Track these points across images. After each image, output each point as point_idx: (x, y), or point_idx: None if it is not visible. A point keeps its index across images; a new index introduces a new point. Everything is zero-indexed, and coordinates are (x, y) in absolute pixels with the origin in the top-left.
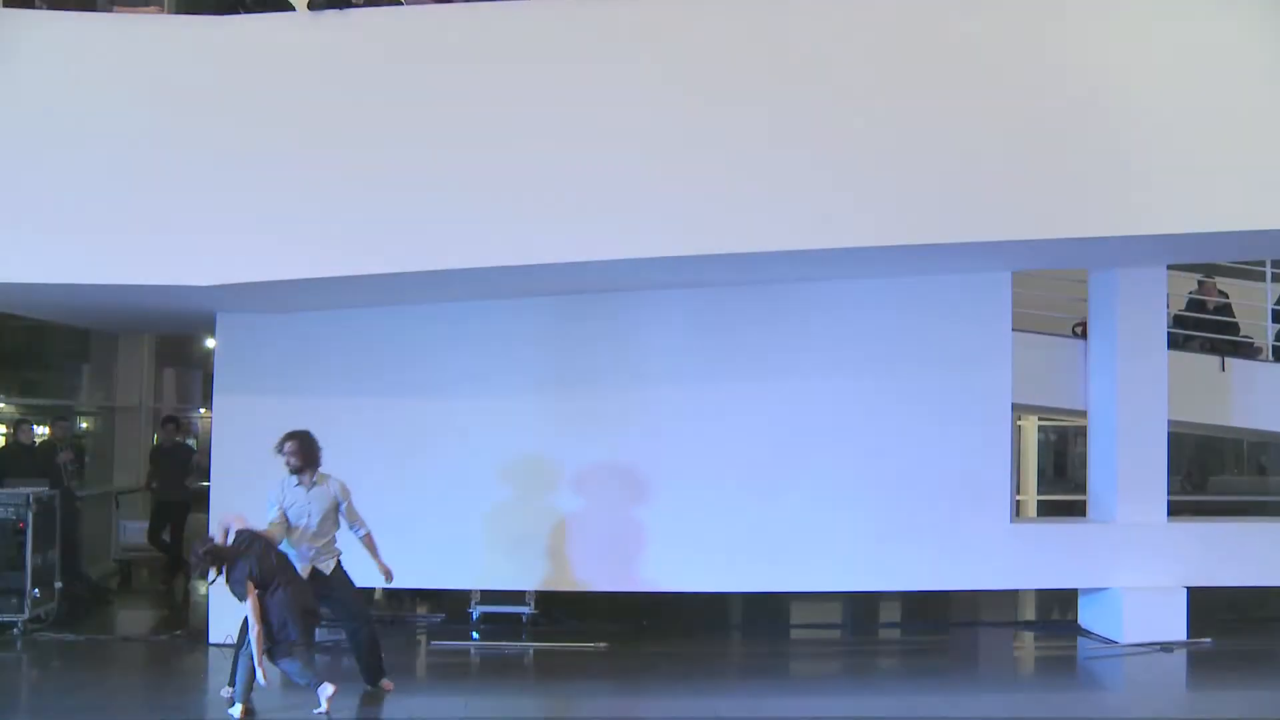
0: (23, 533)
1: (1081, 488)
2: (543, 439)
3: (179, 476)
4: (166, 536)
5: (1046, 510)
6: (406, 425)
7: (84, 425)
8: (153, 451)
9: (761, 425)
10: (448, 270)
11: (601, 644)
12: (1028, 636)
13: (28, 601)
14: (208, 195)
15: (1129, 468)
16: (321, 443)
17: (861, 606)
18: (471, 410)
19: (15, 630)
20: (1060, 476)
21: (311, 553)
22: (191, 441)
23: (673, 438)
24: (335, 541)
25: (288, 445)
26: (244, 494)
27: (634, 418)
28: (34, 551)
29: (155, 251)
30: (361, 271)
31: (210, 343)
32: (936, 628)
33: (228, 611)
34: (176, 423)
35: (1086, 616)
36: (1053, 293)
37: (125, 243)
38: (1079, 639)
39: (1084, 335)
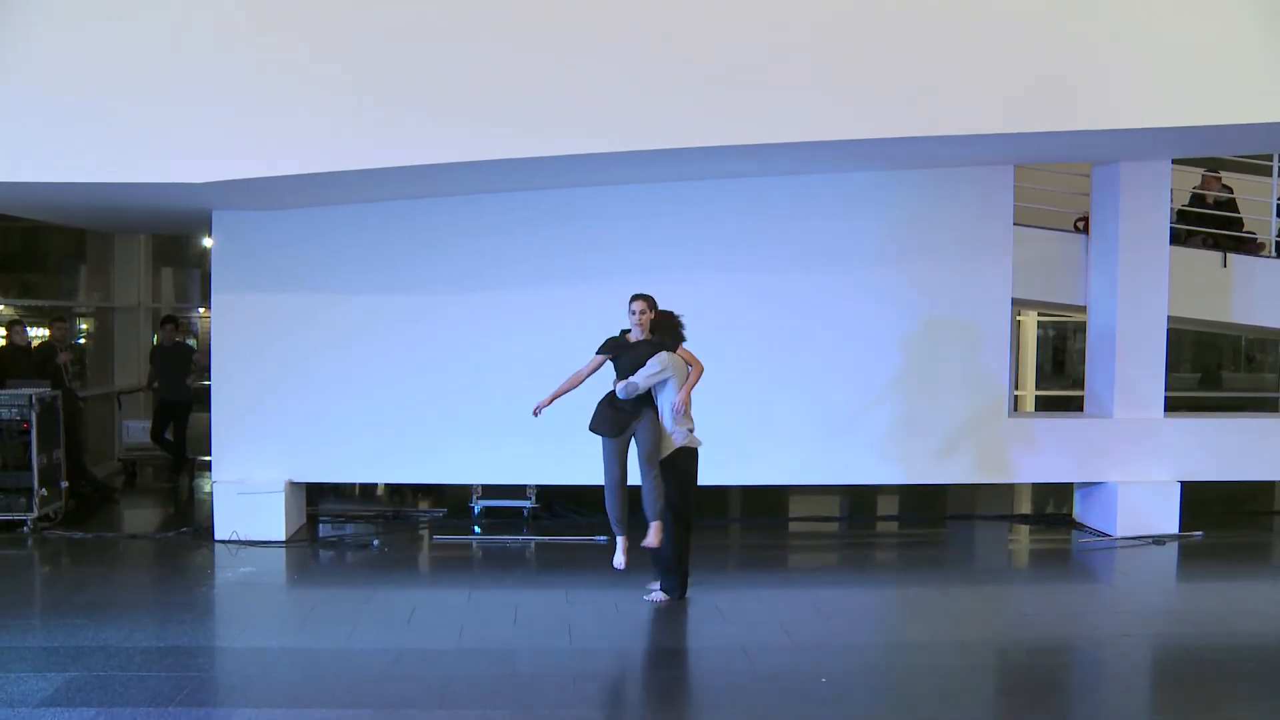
0: (27, 433)
1: (1080, 383)
2: (542, 332)
3: (180, 376)
4: (169, 435)
5: (1044, 406)
6: (406, 320)
7: (83, 326)
8: (153, 352)
9: (760, 319)
10: (438, 165)
11: (602, 537)
12: (1023, 530)
13: (35, 500)
14: (202, 91)
15: (1128, 364)
16: (320, 339)
17: (859, 500)
18: (470, 304)
19: (24, 528)
20: (1058, 372)
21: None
22: (191, 341)
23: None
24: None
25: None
26: (245, 391)
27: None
28: (39, 451)
29: (150, 149)
30: (353, 166)
31: (207, 241)
32: (933, 521)
33: (232, 509)
34: (175, 322)
35: (1082, 510)
36: (1055, 186)
37: (120, 141)
38: (1073, 532)
39: (1085, 230)
